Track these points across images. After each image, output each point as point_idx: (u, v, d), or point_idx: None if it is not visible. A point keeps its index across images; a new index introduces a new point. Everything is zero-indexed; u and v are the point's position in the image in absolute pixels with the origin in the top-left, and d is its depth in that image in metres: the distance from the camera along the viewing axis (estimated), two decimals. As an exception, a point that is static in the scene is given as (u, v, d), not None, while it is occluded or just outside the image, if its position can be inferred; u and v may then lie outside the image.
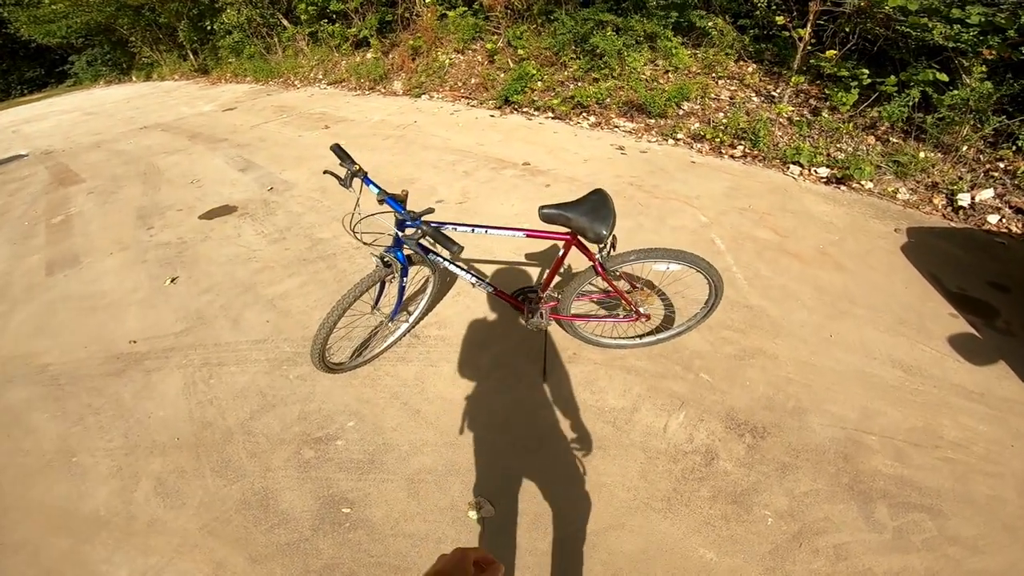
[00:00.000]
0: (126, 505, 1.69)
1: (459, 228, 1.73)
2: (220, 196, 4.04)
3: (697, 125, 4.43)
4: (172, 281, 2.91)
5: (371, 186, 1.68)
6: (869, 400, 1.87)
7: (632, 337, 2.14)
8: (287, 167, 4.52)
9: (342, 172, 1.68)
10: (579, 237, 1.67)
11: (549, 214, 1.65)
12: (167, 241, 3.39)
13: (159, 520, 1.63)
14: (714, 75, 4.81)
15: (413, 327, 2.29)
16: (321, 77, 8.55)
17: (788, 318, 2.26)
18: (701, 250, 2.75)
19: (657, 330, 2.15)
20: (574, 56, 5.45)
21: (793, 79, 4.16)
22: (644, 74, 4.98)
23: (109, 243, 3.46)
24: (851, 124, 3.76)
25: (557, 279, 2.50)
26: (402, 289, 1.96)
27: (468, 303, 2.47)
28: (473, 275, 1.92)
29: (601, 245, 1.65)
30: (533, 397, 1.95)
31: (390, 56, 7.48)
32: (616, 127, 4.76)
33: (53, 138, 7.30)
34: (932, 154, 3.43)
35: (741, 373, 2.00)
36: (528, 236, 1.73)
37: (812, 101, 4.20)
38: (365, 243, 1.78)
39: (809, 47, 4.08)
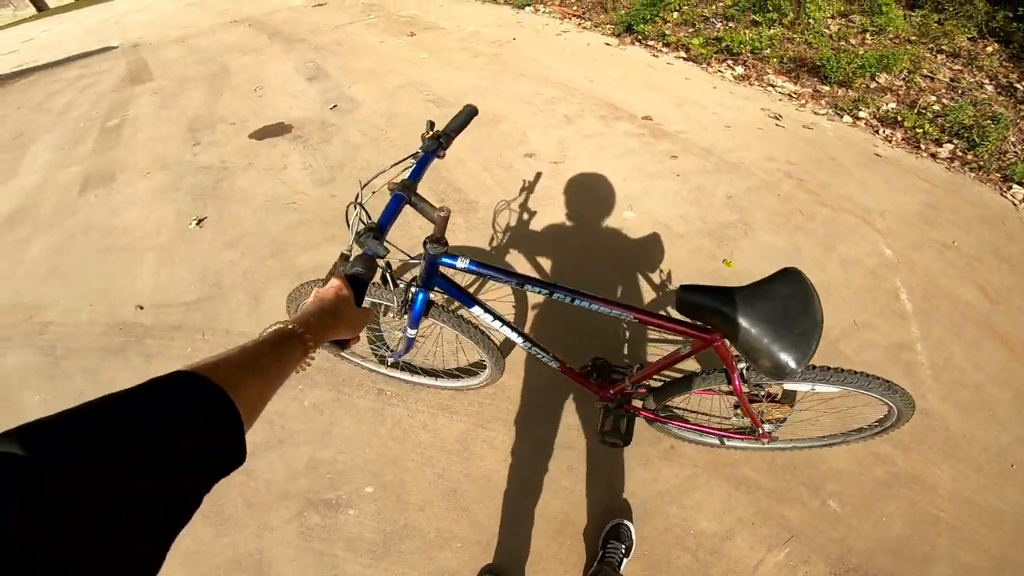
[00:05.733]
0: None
1: (528, 287, 0.97)
2: (278, 111, 3.52)
3: (893, 105, 3.16)
4: (198, 223, 2.46)
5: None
6: (1010, 548, 1.31)
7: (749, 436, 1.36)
8: (357, 80, 3.87)
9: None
10: (729, 343, 0.90)
11: (694, 302, 0.88)
12: (208, 164, 2.95)
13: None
14: (934, 47, 3.43)
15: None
16: (417, -25, 7.61)
17: (970, 436, 1.52)
18: (880, 304, 1.89)
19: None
20: (731, -15, 4.12)
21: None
22: (829, 28, 3.65)
23: (150, 159, 3.08)
24: None
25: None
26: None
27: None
28: (524, 337, 1.14)
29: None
30: (604, 500, 1.37)
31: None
32: (772, 86, 3.54)
33: (146, 30, 7.14)
34: None
35: (880, 506, 1.41)
36: (639, 321, 0.97)
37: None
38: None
39: None
